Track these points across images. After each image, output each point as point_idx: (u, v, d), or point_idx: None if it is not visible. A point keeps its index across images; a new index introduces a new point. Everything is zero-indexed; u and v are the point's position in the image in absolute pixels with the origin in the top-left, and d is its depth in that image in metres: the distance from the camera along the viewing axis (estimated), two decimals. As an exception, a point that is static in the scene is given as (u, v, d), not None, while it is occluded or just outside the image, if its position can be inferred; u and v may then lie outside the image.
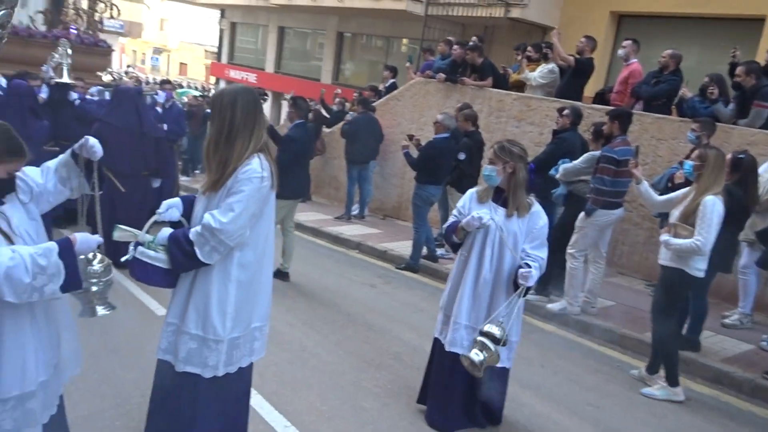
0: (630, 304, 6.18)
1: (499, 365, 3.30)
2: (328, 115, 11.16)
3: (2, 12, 0.59)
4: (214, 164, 2.55)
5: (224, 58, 22.33)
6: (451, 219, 3.53)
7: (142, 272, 2.59)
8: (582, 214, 5.56)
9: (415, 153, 7.18)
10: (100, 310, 2.40)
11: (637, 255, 7.15)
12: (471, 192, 3.54)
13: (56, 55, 7.67)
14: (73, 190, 2.52)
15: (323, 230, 8.59)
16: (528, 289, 3.24)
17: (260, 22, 20.39)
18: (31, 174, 2.41)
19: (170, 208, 2.66)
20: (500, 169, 3.36)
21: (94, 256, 2.31)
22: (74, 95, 7.41)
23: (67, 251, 2.12)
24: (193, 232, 2.49)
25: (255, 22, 20.80)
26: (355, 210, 9.53)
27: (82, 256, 2.25)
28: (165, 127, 7.63)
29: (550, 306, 5.84)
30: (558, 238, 5.84)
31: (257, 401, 3.74)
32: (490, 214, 3.33)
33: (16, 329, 2.20)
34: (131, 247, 2.60)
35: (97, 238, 2.26)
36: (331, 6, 15.83)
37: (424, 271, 7.07)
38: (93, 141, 2.43)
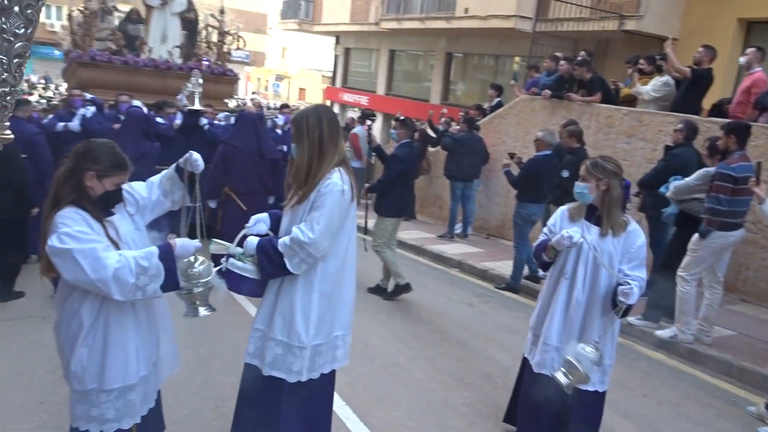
0: (753, 334, 5.64)
1: (591, 388, 3.17)
2: (434, 135, 11.27)
3: (19, 45, 0.68)
4: (301, 180, 2.69)
5: (338, 82, 23.22)
6: (541, 237, 3.45)
7: (234, 282, 2.76)
8: (696, 236, 5.17)
9: (516, 171, 7.07)
10: (202, 311, 2.58)
11: (764, 281, 6.52)
12: (562, 209, 3.43)
13: (189, 85, 8.29)
14: (175, 202, 2.76)
15: (425, 248, 8.64)
16: (628, 309, 3.08)
17: (372, 46, 21.03)
18: (137, 188, 2.69)
19: (258, 222, 2.83)
20: (593, 186, 3.24)
21: (196, 259, 2.50)
22: (204, 120, 8.00)
23: (166, 255, 2.33)
24: (282, 243, 2.61)
25: (367, 46, 21.48)
26: (458, 229, 9.50)
27: (186, 259, 2.46)
28: (284, 148, 8.05)
29: (659, 332, 5.47)
30: (669, 260, 5.50)
31: (344, 412, 3.84)
32: (582, 232, 3.21)
33: (121, 328, 2.45)
34: (224, 259, 2.78)
35: (196, 243, 2.45)
36: (439, 28, 16.01)
37: (525, 292, 6.89)
38: (196, 155, 2.67)
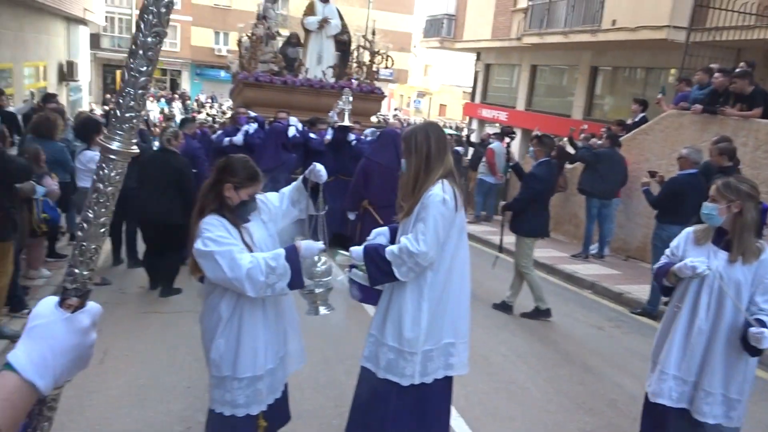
0: None
1: (713, 421, 2.96)
2: (573, 151, 10.92)
3: (142, 79, 0.84)
4: (408, 193, 2.84)
5: (477, 98, 23.22)
6: (663, 260, 3.28)
7: (356, 291, 2.99)
8: None
9: (657, 191, 6.68)
10: (322, 310, 2.82)
11: None
12: (687, 231, 3.25)
13: (340, 102, 8.69)
14: (302, 210, 3.03)
15: (557, 268, 8.41)
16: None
17: (513, 61, 20.81)
18: (271, 198, 3.00)
19: (378, 235, 3.04)
20: (723, 208, 3.03)
21: (319, 259, 2.74)
22: (352, 136, 8.40)
23: (292, 255, 2.59)
24: (389, 252, 2.76)
25: (508, 62, 21.28)
26: (593, 249, 9.12)
27: (310, 259, 2.71)
28: None
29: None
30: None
31: (458, 423, 3.90)
32: (709, 258, 3.02)
33: (252, 323, 2.74)
34: (347, 269, 3.01)
35: (320, 245, 2.69)
36: (584, 41, 15.49)
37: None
38: (320, 167, 2.91)
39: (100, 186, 0.98)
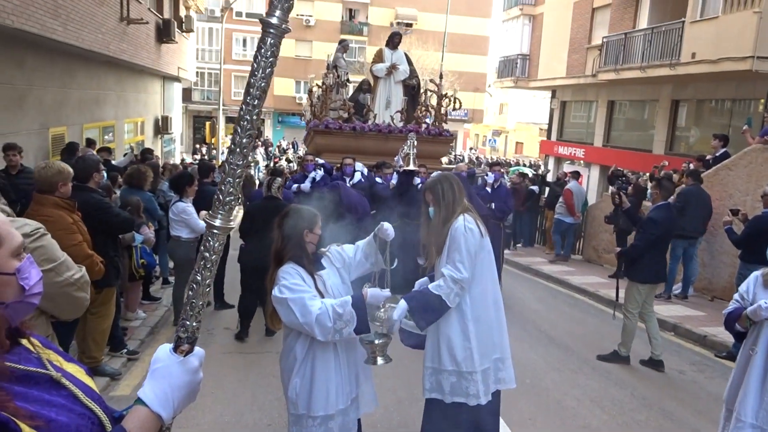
0: None
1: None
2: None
3: (239, 171, 1.07)
4: (437, 235, 3.19)
5: (553, 136, 23.03)
6: (732, 305, 3.25)
7: (407, 339, 3.29)
8: None
9: (741, 229, 6.45)
10: (380, 361, 2.97)
11: None
12: (756, 274, 3.21)
13: (405, 147, 8.65)
14: (372, 265, 3.22)
15: (637, 309, 8.16)
16: None
17: (589, 98, 20.59)
18: (346, 249, 3.23)
19: (422, 285, 3.32)
20: (797, 250, 3.00)
21: (383, 305, 2.94)
22: (417, 180, 8.34)
23: (359, 303, 2.80)
24: (435, 287, 3.08)
25: (584, 98, 21.08)
26: (676, 289, 8.80)
27: (377, 306, 2.91)
28: (492, 205, 8.27)
29: None
30: None
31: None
32: (781, 301, 2.98)
33: (324, 365, 2.95)
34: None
35: (386, 293, 2.90)
36: (663, 75, 15.18)
37: (752, 364, 6.14)
38: (387, 225, 3.12)
39: (207, 255, 1.24)
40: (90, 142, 10.38)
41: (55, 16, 8.37)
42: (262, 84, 1.19)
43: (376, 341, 2.92)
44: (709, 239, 8.88)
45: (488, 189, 9.01)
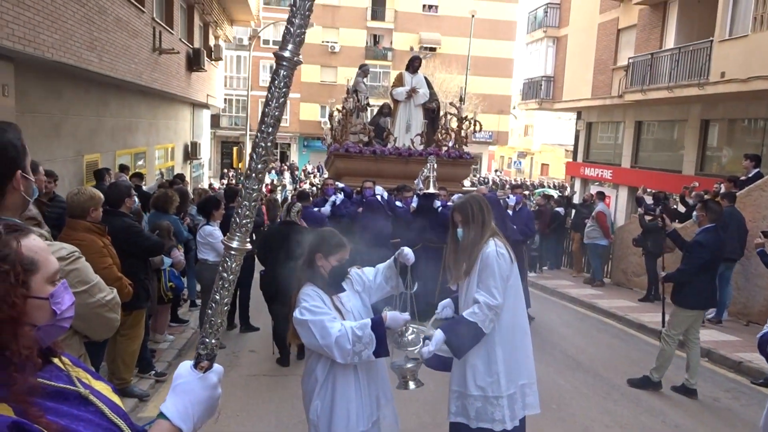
0: None
1: None
2: (683, 211, 10.50)
3: (255, 195, 1.12)
4: (467, 256, 3.18)
5: (580, 157, 22.86)
6: (766, 328, 3.17)
7: (434, 362, 3.20)
8: None
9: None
10: (411, 385, 2.97)
11: None
12: None
13: (425, 170, 8.68)
14: (393, 288, 3.22)
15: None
16: None
17: (616, 119, 20.44)
18: (366, 272, 3.26)
19: (444, 308, 3.32)
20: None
21: (407, 329, 2.91)
22: (438, 203, 8.33)
23: (378, 326, 2.79)
24: (470, 315, 3.05)
25: (611, 119, 20.93)
26: (710, 314, 8.59)
27: (399, 330, 2.90)
28: (514, 227, 8.17)
29: None
30: None
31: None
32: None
33: (345, 387, 2.95)
34: (421, 342, 3.09)
35: (405, 316, 2.88)
36: (692, 95, 15.02)
37: (790, 391, 5.96)
38: (408, 250, 3.11)
39: (225, 275, 1.29)
40: (123, 168, 10.67)
41: (91, 48, 8.69)
42: (276, 113, 1.25)
43: (407, 365, 2.91)
44: (743, 262, 8.68)
45: (509, 212, 8.91)
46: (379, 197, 8.26)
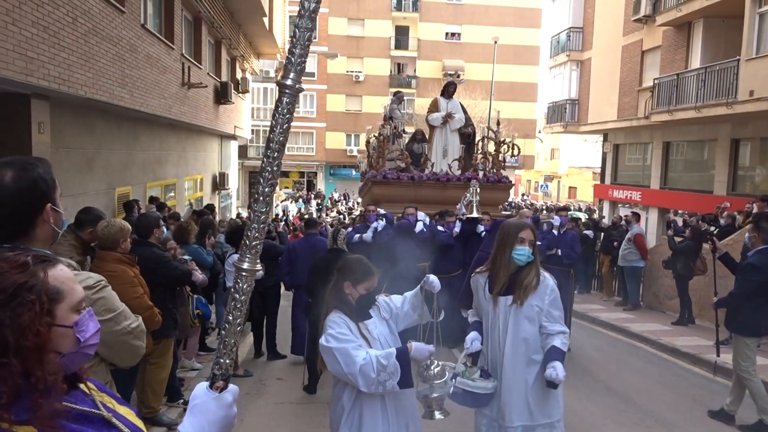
0: None
1: None
2: (714, 230, 10.29)
3: (263, 217, 1.18)
4: (531, 279, 3.24)
5: (607, 179, 22.63)
6: None
7: (469, 400, 3.20)
8: None
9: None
10: (437, 415, 2.91)
11: None
12: None
13: (468, 194, 8.68)
14: (420, 316, 3.17)
15: (703, 358, 7.78)
16: None
17: (643, 140, 20.24)
18: (394, 299, 3.23)
19: (473, 341, 3.33)
20: None
21: (432, 362, 2.87)
22: (481, 228, 8.25)
23: (403, 356, 2.78)
24: (561, 344, 3.19)
25: (638, 140, 20.74)
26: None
27: (424, 363, 2.86)
28: (559, 251, 7.99)
29: None
30: None
31: None
32: None
33: (371, 415, 2.93)
34: (450, 378, 3.09)
35: (430, 348, 2.85)
36: (720, 114, 14.83)
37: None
38: (433, 278, 3.06)
39: (237, 296, 1.34)
40: (153, 200, 10.94)
41: (122, 85, 9.01)
42: (281, 138, 1.31)
43: (433, 395, 2.86)
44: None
45: (555, 232, 8.61)
46: (421, 223, 8.17)
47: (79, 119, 8.86)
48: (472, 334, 3.35)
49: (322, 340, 2.88)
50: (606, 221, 17.66)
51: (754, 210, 9.22)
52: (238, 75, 20.39)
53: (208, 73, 15.43)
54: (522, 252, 3.23)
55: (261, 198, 1.32)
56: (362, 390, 2.78)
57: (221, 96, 16.48)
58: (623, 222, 13.31)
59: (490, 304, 3.32)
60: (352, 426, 2.93)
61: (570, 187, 41.30)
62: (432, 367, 2.86)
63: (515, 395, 3.18)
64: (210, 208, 11.55)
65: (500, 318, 3.27)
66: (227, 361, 1.38)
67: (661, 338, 8.91)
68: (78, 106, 8.60)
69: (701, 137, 17.40)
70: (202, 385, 1.41)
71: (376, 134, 10.96)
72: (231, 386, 1.41)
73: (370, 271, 3.03)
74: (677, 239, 10.28)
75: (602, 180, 23.42)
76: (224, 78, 17.54)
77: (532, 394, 3.16)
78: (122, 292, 4.00)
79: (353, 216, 18.18)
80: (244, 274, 1.33)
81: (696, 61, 16.76)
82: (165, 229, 6.78)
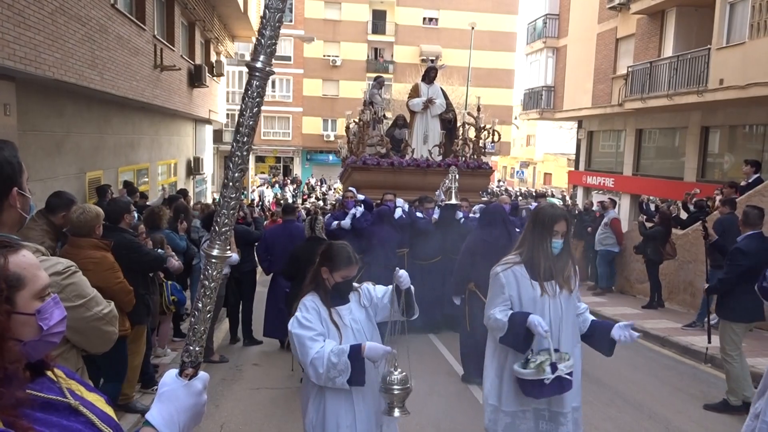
0: None
1: None
2: (685, 216, 10.50)
3: (233, 203, 1.15)
4: (566, 274, 3.27)
5: (581, 166, 22.89)
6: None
7: (566, 385, 3.11)
8: None
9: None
10: (396, 412, 2.78)
11: None
12: None
13: (447, 181, 8.60)
14: (395, 312, 3.04)
15: (671, 340, 7.98)
16: None
17: (617, 127, 20.49)
18: (378, 289, 3.14)
19: (541, 323, 3.05)
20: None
21: (396, 368, 2.74)
22: (460, 214, 8.22)
23: (355, 355, 2.73)
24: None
25: (611, 128, 20.98)
26: (714, 320, 8.54)
27: (388, 369, 2.74)
28: None
29: None
30: None
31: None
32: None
33: (334, 400, 2.91)
34: (548, 369, 3.00)
35: (387, 348, 2.78)
36: (691, 102, 15.06)
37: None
38: (403, 273, 2.96)
39: (206, 283, 1.32)
40: (127, 185, 10.77)
41: (92, 66, 8.80)
42: (251, 123, 1.29)
43: (395, 391, 2.74)
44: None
45: None
46: (400, 210, 8.12)
47: (47, 101, 8.64)
48: (536, 318, 3.06)
49: (290, 322, 2.88)
50: (580, 207, 17.89)
51: (720, 197, 9.37)
52: (213, 58, 20.06)
53: (181, 56, 15.15)
54: (557, 245, 3.21)
55: (231, 183, 1.29)
56: (314, 381, 2.79)
57: (195, 79, 16.20)
58: (595, 208, 13.50)
59: (538, 291, 3.20)
60: (318, 408, 2.94)
61: (545, 174, 41.69)
62: (395, 373, 2.75)
63: (574, 378, 3.16)
64: (182, 192, 11.39)
65: (550, 304, 3.19)
66: (197, 349, 1.35)
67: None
68: (46, 88, 8.38)
69: (673, 125, 17.67)
70: (171, 373, 1.37)
71: (356, 119, 10.82)
72: (201, 374, 1.38)
73: (350, 261, 2.99)
74: (648, 224, 10.46)
75: (576, 166, 23.67)
76: (198, 61, 17.24)
77: (578, 377, 3.24)
78: (105, 278, 3.97)
79: (332, 202, 18.03)
80: (213, 260, 1.31)
81: (669, 50, 16.97)
82: (136, 215, 6.67)
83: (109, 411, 1.33)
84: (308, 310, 2.89)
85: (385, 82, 36.98)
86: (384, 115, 11.80)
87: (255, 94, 1.30)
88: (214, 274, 1.32)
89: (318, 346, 2.77)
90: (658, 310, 10.00)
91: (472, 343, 5.81)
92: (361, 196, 8.53)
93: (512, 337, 3.12)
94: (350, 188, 8.98)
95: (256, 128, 1.32)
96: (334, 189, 27.25)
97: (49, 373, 1.27)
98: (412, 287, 3.03)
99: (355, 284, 3.11)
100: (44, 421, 1.14)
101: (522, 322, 3.06)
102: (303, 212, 14.66)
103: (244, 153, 1.30)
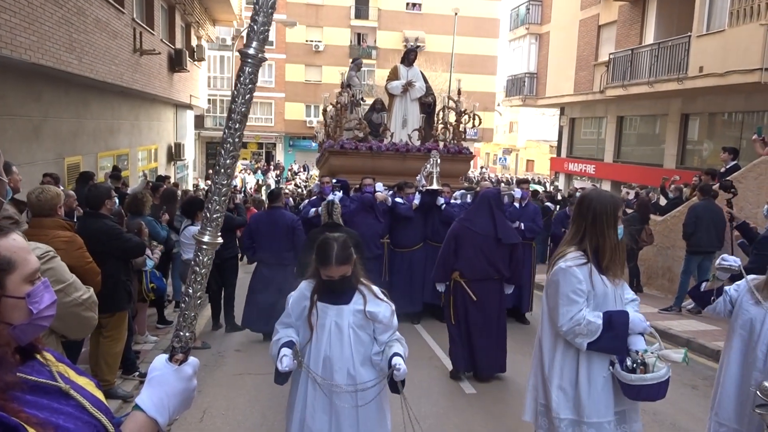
0: None
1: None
2: (664, 202, 10.64)
3: (224, 190, 1.15)
4: (622, 260, 2.99)
5: (563, 153, 23.08)
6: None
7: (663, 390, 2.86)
8: None
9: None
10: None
11: None
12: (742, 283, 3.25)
13: (428, 165, 8.39)
14: (381, 369, 2.98)
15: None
16: None
17: (598, 114, 20.66)
18: (386, 317, 3.02)
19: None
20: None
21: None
22: (441, 200, 8.03)
23: (278, 364, 2.88)
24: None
25: (593, 115, 21.15)
26: (689, 304, 8.71)
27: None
28: (522, 225, 7.86)
29: None
30: None
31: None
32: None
33: (295, 394, 3.09)
34: (664, 368, 2.80)
35: (293, 366, 2.93)
36: (672, 90, 15.23)
37: (767, 378, 6.06)
38: (401, 366, 2.81)
39: (197, 269, 1.32)
40: (116, 170, 10.66)
41: (70, 50, 8.63)
42: (243, 109, 1.29)
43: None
44: (723, 252, 8.81)
45: (516, 205, 8.34)
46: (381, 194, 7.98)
47: (23, 85, 8.48)
48: (638, 316, 2.94)
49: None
50: (563, 193, 18.06)
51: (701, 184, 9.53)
52: (194, 42, 19.78)
53: (161, 40, 14.92)
54: (620, 231, 2.95)
55: (222, 170, 1.30)
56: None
57: (176, 63, 15.99)
58: (578, 194, 13.63)
59: (608, 284, 2.92)
60: (290, 397, 3.14)
61: (528, 160, 41.90)
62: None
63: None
64: (162, 179, 11.29)
65: (615, 297, 2.97)
66: (187, 334, 1.36)
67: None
68: (22, 72, 8.21)
69: (653, 112, 17.86)
70: (161, 358, 1.38)
71: (334, 102, 10.54)
72: (191, 359, 1.39)
73: (328, 261, 2.88)
74: (627, 210, 10.59)
75: (558, 153, 23.87)
76: (179, 45, 17.00)
77: None
78: (78, 257, 3.90)
79: (309, 189, 17.95)
80: (204, 247, 1.31)
81: (650, 37, 17.11)
82: (117, 201, 6.60)
83: (99, 395, 1.33)
84: (297, 300, 3.04)
85: (369, 68, 36.97)
86: (362, 99, 11.60)
87: (248, 80, 1.30)
88: (205, 260, 1.33)
89: (282, 333, 3.00)
90: (636, 295, 10.14)
91: (460, 335, 5.82)
92: (335, 179, 8.38)
93: (610, 340, 2.82)
94: (324, 176, 8.87)
95: (248, 115, 1.32)
96: (312, 176, 27.17)
97: (38, 356, 1.27)
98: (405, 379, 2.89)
99: (374, 288, 3.02)
100: (34, 403, 1.15)
101: (624, 321, 2.82)
102: (291, 199, 14.55)
103: (236, 140, 1.30)
